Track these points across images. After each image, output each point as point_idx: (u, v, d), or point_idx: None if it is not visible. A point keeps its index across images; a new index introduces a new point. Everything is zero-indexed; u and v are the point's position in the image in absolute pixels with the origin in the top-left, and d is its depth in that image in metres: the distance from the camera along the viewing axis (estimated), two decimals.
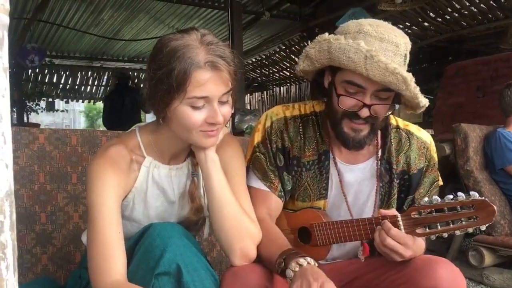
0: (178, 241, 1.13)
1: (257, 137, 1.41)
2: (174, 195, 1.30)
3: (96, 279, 1.13)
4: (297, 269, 1.10)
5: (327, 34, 1.26)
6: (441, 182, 1.44)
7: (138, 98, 6.24)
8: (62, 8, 5.77)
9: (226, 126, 1.29)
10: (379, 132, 1.40)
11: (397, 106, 1.31)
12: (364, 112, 1.24)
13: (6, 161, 0.59)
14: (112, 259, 1.13)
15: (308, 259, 1.13)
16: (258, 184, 1.38)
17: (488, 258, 2.99)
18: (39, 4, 5.34)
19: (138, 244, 1.17)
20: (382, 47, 1.20)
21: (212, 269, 1.18)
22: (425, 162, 1.41)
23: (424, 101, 1.26)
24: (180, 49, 1.13)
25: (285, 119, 1.39)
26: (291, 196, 1.40)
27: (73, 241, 1.58)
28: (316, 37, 1.28)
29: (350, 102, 1.25)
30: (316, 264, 1.13)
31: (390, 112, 1.30)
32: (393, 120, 1.44)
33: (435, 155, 1.43)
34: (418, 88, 1.21)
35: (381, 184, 1.37)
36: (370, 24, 1.24)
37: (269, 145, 1.38)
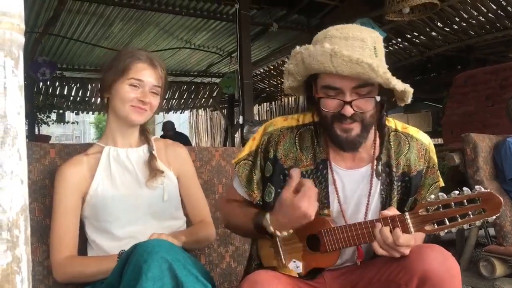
0: (165, 254, 1.17)
1: (252, 145, 1.46)
2: (134, 169, 1.60)
3: (52, 256, 1.52)
4: (276, 229, 1.29)
5: (298, 47, 1.31)
6: (442, 183, 1.45)
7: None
8: (73, 22, 5.84)
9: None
10: (377, 138, 1.42)
11: (378, 98, 1.30)
12: (348, 110, 1.26)
13: (21, 176, 0.61)
14: (64, 240, 1.52)
15: (266, 215, 1.31)
16: (238, 187, 1.49)
17: (500, 269, 2.96)
18: (50, 18, 5.41)
19: (126, 264, 1.21)
20: (348, 44, 1.24)
21: (204, 280, 1.22)
22: (425, 163, 1.43)
23: (400, 86, 1.25)
24: (129, 50, 1.63)
25: (281, 130, 1.44)
26: None
27: (84, 253, 1.59)
28: (291, 52, 1.34)
29: (331, 103, 1.29)
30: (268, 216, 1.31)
31: (375, 107, 1.30)
32: (392, 124, 1.46)
33: (434, 157, 1.45)
34: (389, 73, 1.22)
35: (381, 187, 1.39)
36: (336, 28, 1.30)
37: (260, 155, 1.43)
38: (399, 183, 1.40)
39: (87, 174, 1.57)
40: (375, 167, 1.40)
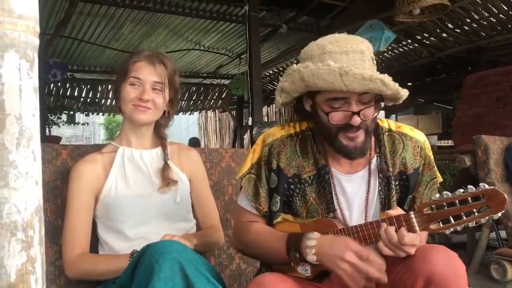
0: (176, 255, 1.18)
1: (253, 158, 1.45)
2: (148, 170, 1.61)
3: (65, 253, 1.54)
4: (313, 253, 1.25)
5: (295, 65, 1.31)
6: (440, 179, 1.45)
7: None
8: (84, 24, 5.87)
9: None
10: (372, 140, 1.43)
11: (382, 104, 1.35)
12: (356, 120, 1.28)
13: (36, 177, 0.61)
14: (77, 237, 1.53)
15: (311, 234, 1.27)
16: (246, 204, 1.46)
17: (511, 272, 2.93)
18: (61, 20, 5.44)
19: (138, 264, 1.22)
20: (350, 59, 1.25)
21: (215, 281, 1.22)
22: (421, 161, 1.43)
23: (403, 93, 1.29)
24: (133, 52, 1.67)
25: (281, 139, 1.44)
26: (299, 216, 1.41)
27: (95, 253, 1.60)
28: (286, 70, 1.34)
29: (339, 116, 1.30)
30: (315, 233, 1.27)
31: (377, 112, 1.34)
32: (385, 124, 1.47)
33: (430, 153, 1.46)
34: (397, 84, 1.25)
35: (379, 188, 1.39)
36: (331, 42, 1.29)
37: (263, 167, 1.43)
38: (397, 182, 1.41)
39: (101, 172, 1.59)
40: (377, 164, 1.41)
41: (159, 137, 1.70)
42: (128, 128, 1.65)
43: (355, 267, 1.20)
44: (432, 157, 1.46)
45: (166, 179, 1.60)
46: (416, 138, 1.45)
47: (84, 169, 1.57)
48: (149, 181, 1.60)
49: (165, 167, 1.63)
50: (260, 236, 1.42)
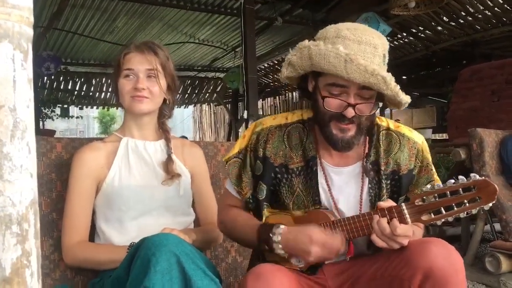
0: (173, 248, 1.17)
1: (242, 143, 1.47)
2: (152, 161, 1.61)
3: (64, 239, 1.54)
4: (280, 247, 1.29)
5: (307, 41, 1.30)
6: (438, 182, 1.43)
7: None
8: (77, 16, 5.83)
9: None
10: (366, 137, 1.42)
11: (380, 104, 1.34)
12: (350, 112, 1.28)
13: (30, 170, 0.61)
14: (76, 224, 1.53)
15: (277, 229, 1.30)
16: (229, 187, 1.50)
17: (505, 264, 2.95)
18: (55, 13, 5.40)
19: (135, 257, 1.21)
20: (360, 49, 1.24)
21: (212, 274, 1.22)
22: (417, 162, 1.43)
23: (405, 99, 1.29)
24: (124, 45, 1.66)
25: (270, 128, 1.44)
26: (286, 207, 1.41)
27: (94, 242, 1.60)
28: (297, 44, 1.33)
29: (335, 103, 1.30)
30: (282, 227, 1.30)
31: (374, 111, 1.34)
32: (384, 122, 1.46)
33: (428, 156, 1.45)
34: (398, 87, 1.25)
35: (370, 186, 1.39)
36: (348, 28, 1.28)
37: (249, 153, 1.44)
38: (388, 182, 1.41)
39: (104, 161, 1.58)
40: (362, 170, 1.40)
41: (163, 130, 1.69)
42: (130, 120, 1.64)
43: (320, 254, 1.25)
44: (430, 160, 1.45)
45: (170, 173, 1.60)
46: (414, 139, 1.44)
47: (87, 156, 1.57)
48: (153, 172, 1.60)
49: (168, 161, 1.62)
50: (237, 223, 1.45)
